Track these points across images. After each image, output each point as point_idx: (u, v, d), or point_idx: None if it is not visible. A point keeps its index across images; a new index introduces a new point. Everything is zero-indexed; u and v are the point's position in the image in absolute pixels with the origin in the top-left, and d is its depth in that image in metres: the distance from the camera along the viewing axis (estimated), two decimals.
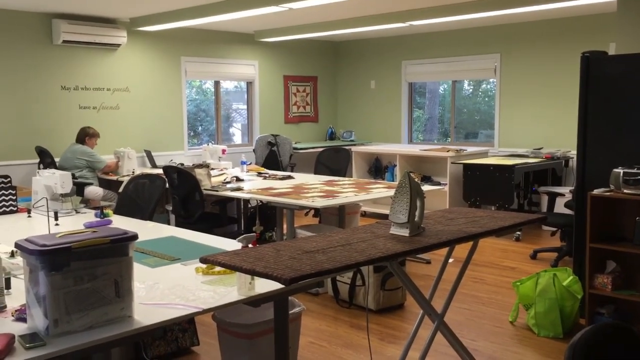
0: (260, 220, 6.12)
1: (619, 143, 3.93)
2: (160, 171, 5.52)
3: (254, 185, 5.56)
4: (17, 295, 2.24)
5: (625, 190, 3.65)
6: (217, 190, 5.31)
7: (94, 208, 4.26)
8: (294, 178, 6.05)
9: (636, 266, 3.86)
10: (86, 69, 7.16)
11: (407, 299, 4.47)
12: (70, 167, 6.19)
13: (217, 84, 8.75)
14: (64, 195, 4.14)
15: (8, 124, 6.62)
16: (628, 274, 3.89)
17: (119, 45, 7.25)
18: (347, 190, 5.11)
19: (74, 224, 3.68)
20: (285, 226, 5.05)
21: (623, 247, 3.75)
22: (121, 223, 3.60)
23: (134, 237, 2.00)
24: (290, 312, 2.94)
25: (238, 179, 5.92)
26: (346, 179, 6.13)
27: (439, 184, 7.41)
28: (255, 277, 2.22)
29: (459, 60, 8.51)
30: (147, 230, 3.51)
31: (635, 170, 3.63)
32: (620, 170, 3.68)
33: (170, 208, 5.78)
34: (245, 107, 9.17)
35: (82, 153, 6.42)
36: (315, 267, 2.02)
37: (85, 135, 6.51)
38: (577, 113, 4.10)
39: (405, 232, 2.50)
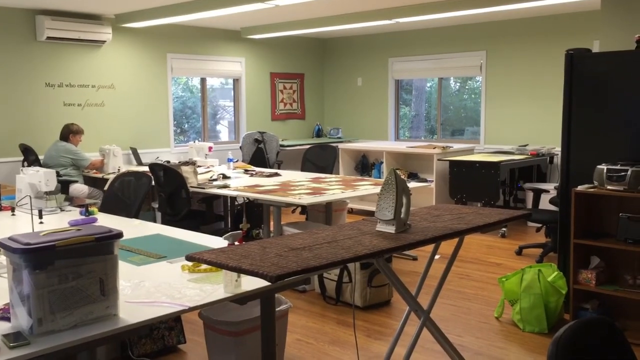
0: (247, 218, 6.11)
1: (602, 140, 3.97)
2: (146, 169, 5.49)
3: (240, 183, 5.54)
4: (1, 294, 2.22)
5: (608, 187, 3.69)
6: (203, 188, 5.29)
7: (79, 206, 4.23)
8: (280, 175, 6.04)
9: (620, 262, 3.90)
10: (71, 65, 7.10)
11: (393, 295, 4.49)
12: (54, 165, 6.13)
13: (203, 81, 8.72)
14: (48, 193, 4.11)
15: None
16: (612, 270, 3.93)
17: (104, 41, 7.20)
18: (333, 188, 5.11)
19: (59, 222, 3.66)
20: (272, 223, 5.04)
21: (607, 242, 3.79)
22: (106, 221, 3.57)
23: (119, 235, 1.99)
24: (277, 309, 2.94)
25: (225, 177, 5.90)
26: (333, 176, 6.14)
27: (425, 180, 7.44)
28: (242, 275, 2.22)
29: (445, 58, 8.54)
30: (132, 228, 3.49)
31: (618, 167, 3.67)
32: (603, 167, 3.72)
33: (156, 206, 5.75)
34: (232, 104, 9.14)
35: (66, 151, 6.36)
36: (302, 264, 2.02)
37: (69, 132, 6.45)
38: (561, 110, 4.13)
39: (391, 229, 2.51)
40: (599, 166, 3.75)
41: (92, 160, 6.52)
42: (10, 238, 1.90)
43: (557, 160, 7.20)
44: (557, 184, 4.62)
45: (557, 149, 6.57)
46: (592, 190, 3.78)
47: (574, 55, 4.07)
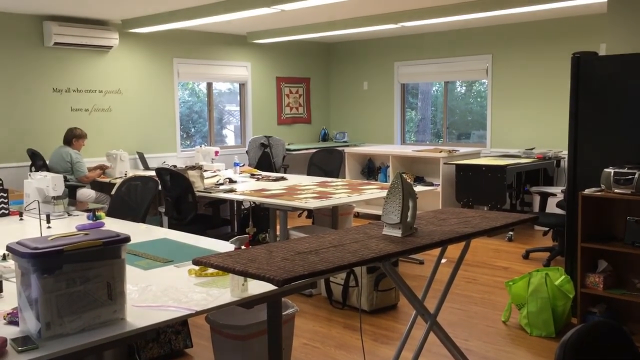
0: (254, 222, 6.12)
1: (609, 143, 3.95)
2: (153, 173, 5.51)
3: (247, 187, 5.55)
4: (9, 298, 2.23)
5: (616, 190, 3.68)
6: (210, 192, 5.30)
7: (86, 210, 4.24)
8: (287, 179, 6.05)
9: (627, 265, 3.89)
10: (78, 71, 7.14)
11: (400, 299, 4.48)
12: (60, 170, 6.13)
13: (209, 85, 8.74)
14: (56, 198, 4.13)
15: None
16: (619, 273, 3.91)
17: (110, 47, 7.24)
18: (340, 192, 5.11)
19: (66, 226, 3.67)
20: (278, 227, 5.04)
21: (614, 246, 3.77)
22: (114, 225, 3.59)
23: (126, 239, 2.00)
24: (283, 313, 2.94)
25: (231, 181, 5.91)
26: (339, 180, 6.14)
27: (431, 184, 7.43)
28: (248, 279, 2.22)
29: (451, 61, 8.53)
30: (139, 232, 3.50)
31: (625, 170, 3.65)
32: (611, 170, 3.71)
33: (163, 210, 5.77)
34: (238, 108, 9.16)
35: (67, 156, 6.30)
36: (308, 268, 2.02)
37: (73, 137, 6.39)
38: (568, 113, 4.12)
39: (397, 233, 2.50)
40: (606, 169, 3.74)
41: (88, 174, 6.39)
42: (18, 242, 1.91)
43: (564, 163, 7.17)
44: (564, 188, 4.61)
45: (564, 152, 6.55)
46: (599, 193, 3.76)
47: (580, 58, 4.06)
